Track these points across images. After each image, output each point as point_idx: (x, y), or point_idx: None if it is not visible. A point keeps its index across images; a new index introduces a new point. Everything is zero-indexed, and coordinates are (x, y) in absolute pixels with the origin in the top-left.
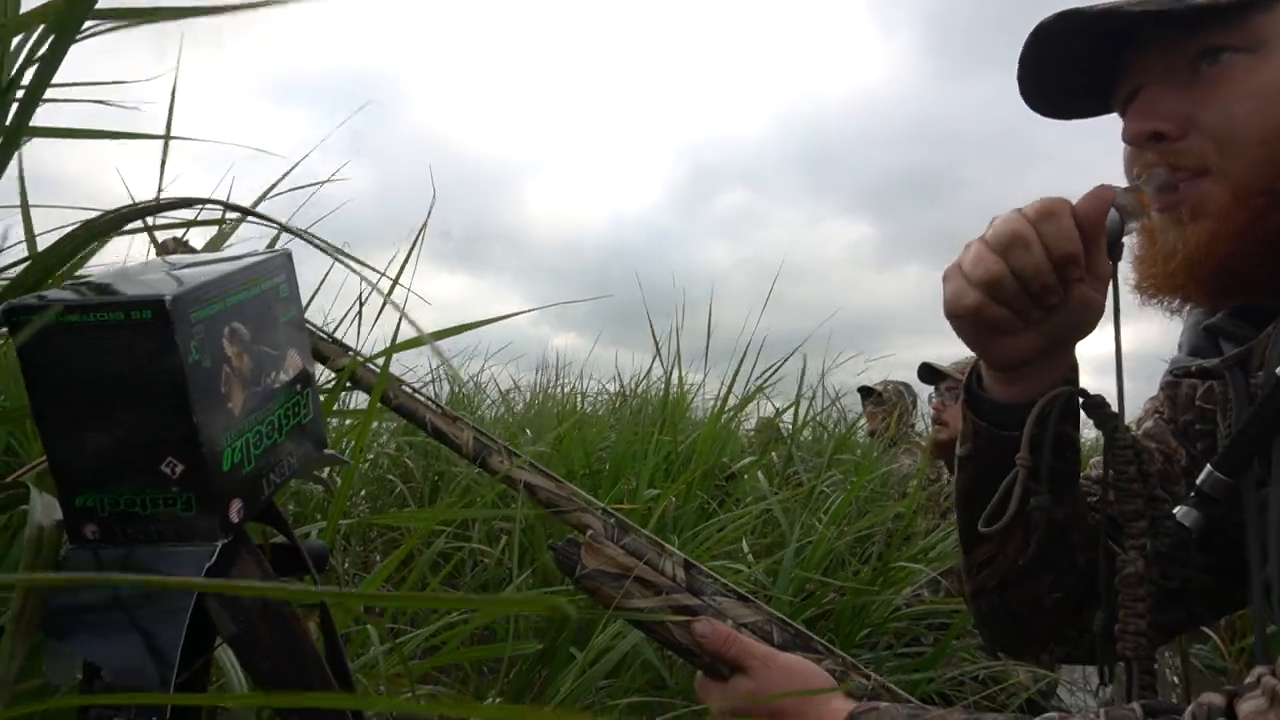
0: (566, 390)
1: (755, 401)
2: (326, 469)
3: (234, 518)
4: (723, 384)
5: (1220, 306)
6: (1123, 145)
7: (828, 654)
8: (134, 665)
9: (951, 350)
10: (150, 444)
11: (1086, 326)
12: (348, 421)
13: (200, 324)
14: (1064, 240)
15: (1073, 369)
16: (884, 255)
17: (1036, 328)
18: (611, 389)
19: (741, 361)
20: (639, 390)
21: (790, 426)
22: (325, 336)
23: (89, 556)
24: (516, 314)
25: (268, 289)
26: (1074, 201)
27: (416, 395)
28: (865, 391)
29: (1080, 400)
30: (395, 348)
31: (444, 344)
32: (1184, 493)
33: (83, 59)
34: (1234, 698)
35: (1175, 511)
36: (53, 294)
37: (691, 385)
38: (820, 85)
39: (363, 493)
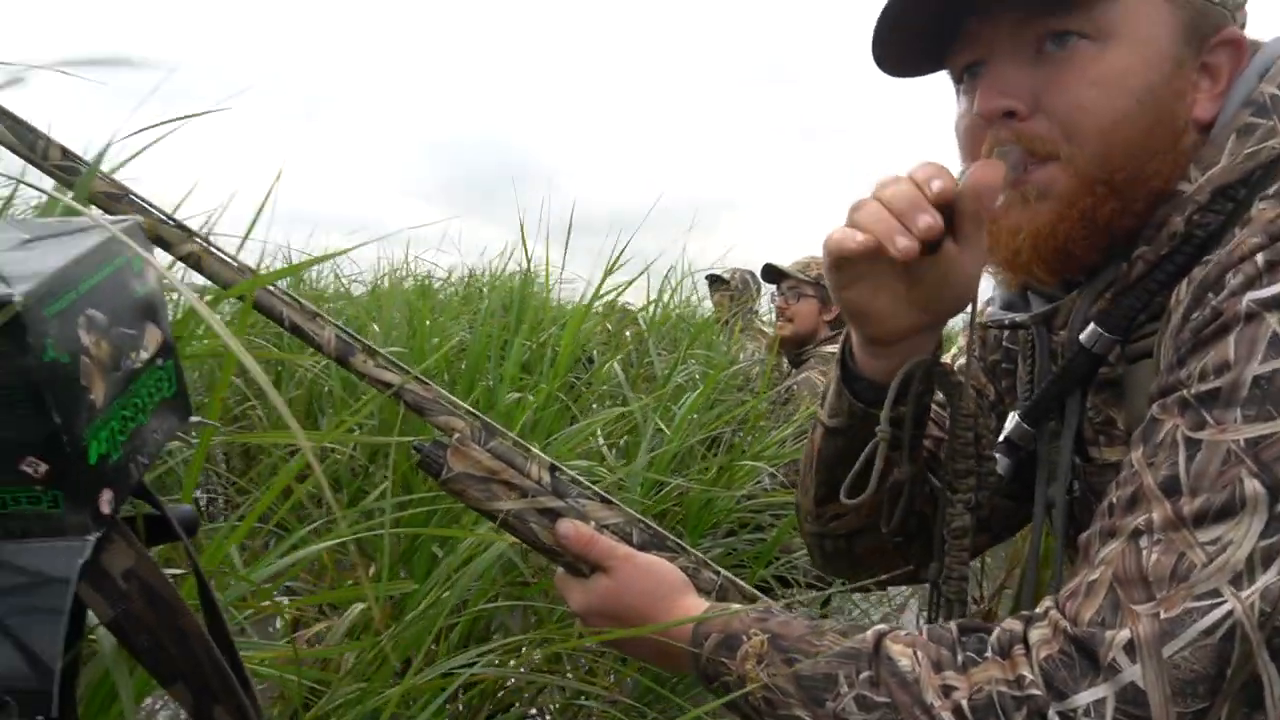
0: (414, 275)
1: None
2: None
3: (105, 509)
4: (590, 284)
5: (1055, 283)
6: (960, 113)
7: (681, 552)
8: (11, 671)
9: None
10: (9, 446)
11: (960, 300)
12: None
13: (55, 319)
14: (935, 182)
15: (938, 345)
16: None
17: (911, 298)
18: (466, 265)
19: (611, 265)
20: (496, 279)
21: (647, 318)
22: (168, 219)
23: None
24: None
25: (121, 266)
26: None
27: (274, 291)
28: (713, 280)
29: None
30: (260, 278)
31: (284, 211)
32: (993, 425)
33: None
34: (1028, 624)
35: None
36: None
37: (553, 269)
38: None
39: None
